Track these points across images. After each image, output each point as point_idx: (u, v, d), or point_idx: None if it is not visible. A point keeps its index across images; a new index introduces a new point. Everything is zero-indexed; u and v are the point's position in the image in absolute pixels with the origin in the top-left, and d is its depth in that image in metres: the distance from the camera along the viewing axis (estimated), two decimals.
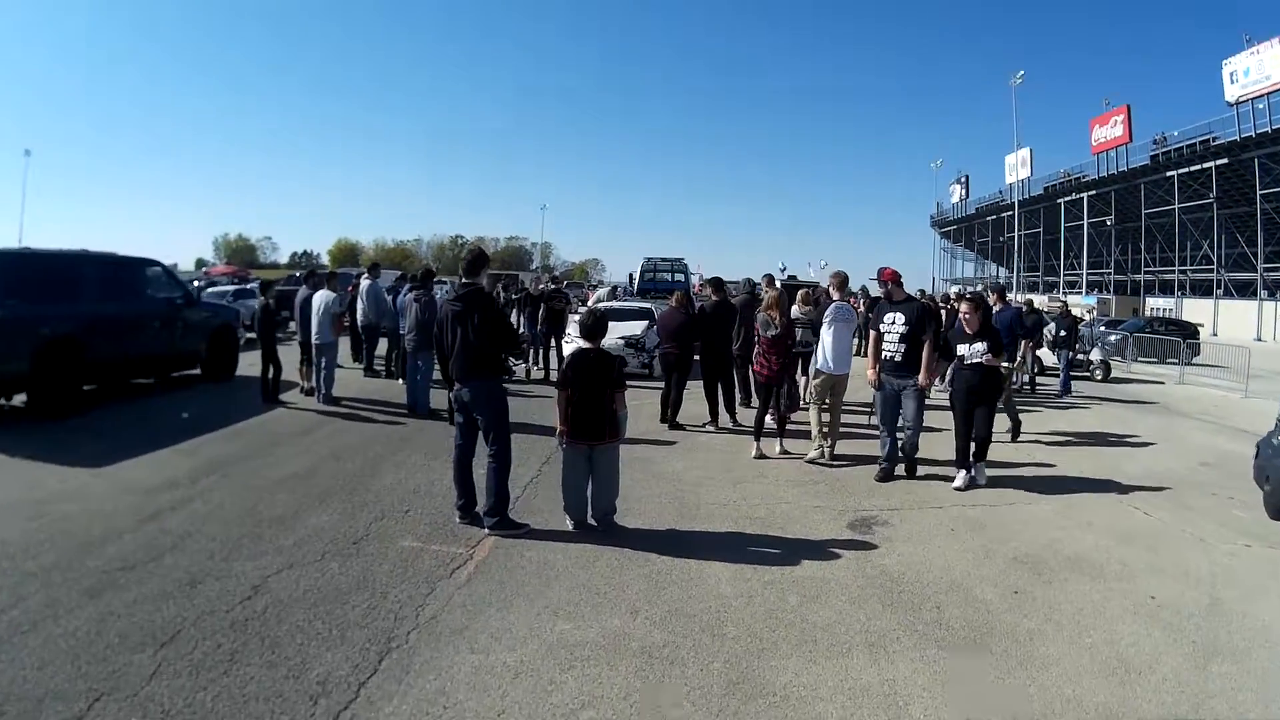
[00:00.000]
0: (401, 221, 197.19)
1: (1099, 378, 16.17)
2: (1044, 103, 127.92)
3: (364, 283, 12.42)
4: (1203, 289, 46.23)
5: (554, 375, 12.37)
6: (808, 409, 7.96)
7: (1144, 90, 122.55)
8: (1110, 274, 52.85)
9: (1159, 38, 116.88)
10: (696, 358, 9.19)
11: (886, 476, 6.97)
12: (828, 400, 7.64)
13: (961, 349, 6.80)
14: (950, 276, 73.83)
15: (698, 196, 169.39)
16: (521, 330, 13.75)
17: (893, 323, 6.86)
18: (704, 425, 9.04)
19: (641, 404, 9.93)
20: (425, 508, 5.84)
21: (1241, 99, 40.00)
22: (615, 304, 17.74)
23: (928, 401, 7.29)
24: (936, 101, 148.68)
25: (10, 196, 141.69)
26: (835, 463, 7.53)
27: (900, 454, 7.02)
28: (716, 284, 9.83)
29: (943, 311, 12.73)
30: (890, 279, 7.14)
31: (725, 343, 9.07)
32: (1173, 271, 48.18)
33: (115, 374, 9.83)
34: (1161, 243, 48.66)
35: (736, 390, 9.62)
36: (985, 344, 6.64)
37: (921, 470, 7.22)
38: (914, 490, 6.80)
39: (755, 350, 7.78)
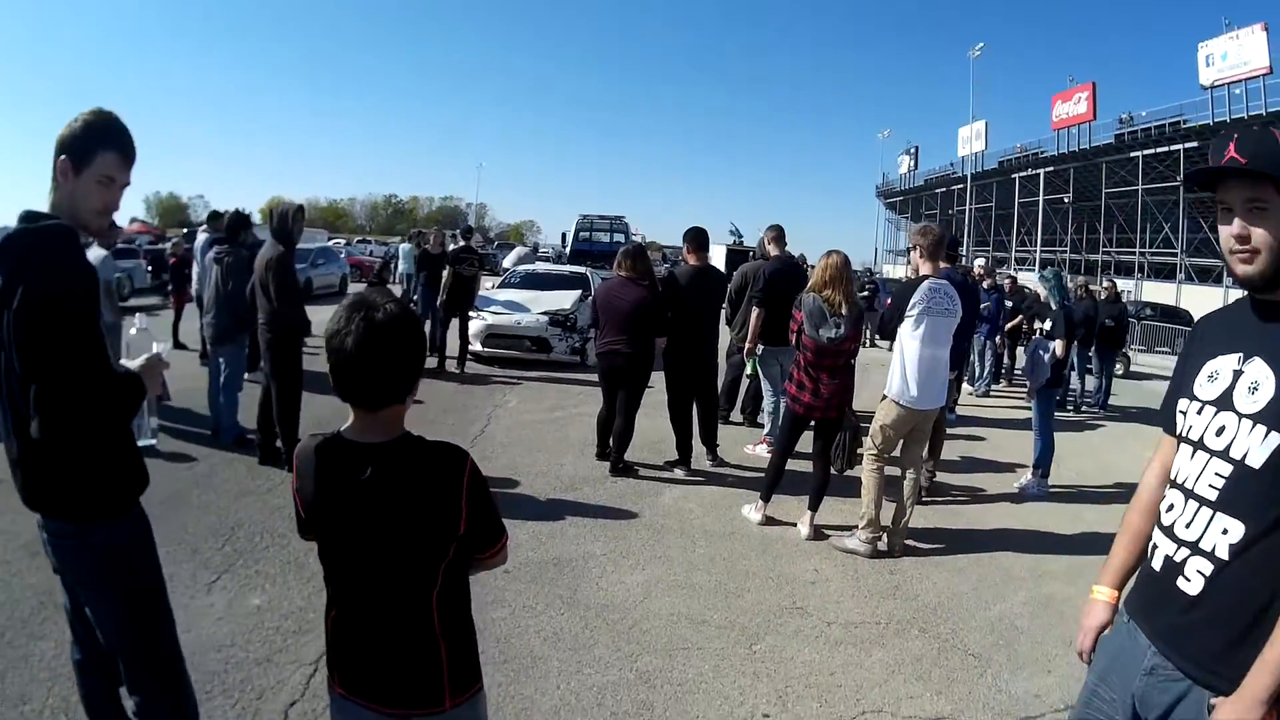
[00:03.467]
0: (337, 180, 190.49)
1: (1119, 372, 14.03)
2: (1004, 79, 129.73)
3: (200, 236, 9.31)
4: (1164, 273, 46.31)
5: (450, 364, 9.89)
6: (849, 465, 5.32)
7: (1110, 71, 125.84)
8: (1066, 252, 52.61)
9: (1129, 17, 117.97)
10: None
11: None
12: (899, 453, 5.06)
13: None
14: (894, 248, 74.01)
15: (640, 159, 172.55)
16: (413, 301, 11.19)
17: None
18: (668, 466, 6.35)
19: (568, 422, 7.58)
20: None
21: (1217, 83, 39.62)
22: (539, 267, 14.92)
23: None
24: (890, 69, 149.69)
25: None
26: (908, 554, 5.00)
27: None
28: (778, 235, 7.03)
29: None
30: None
31: (709, 336, 6.39)
32: (1133, 253, 47.96)
33: None
34: (1121, 223, 48.59)
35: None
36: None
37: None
38: None
39: (793, 361, 5.15)
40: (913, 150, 71.65)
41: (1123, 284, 43.57)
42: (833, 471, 5.10)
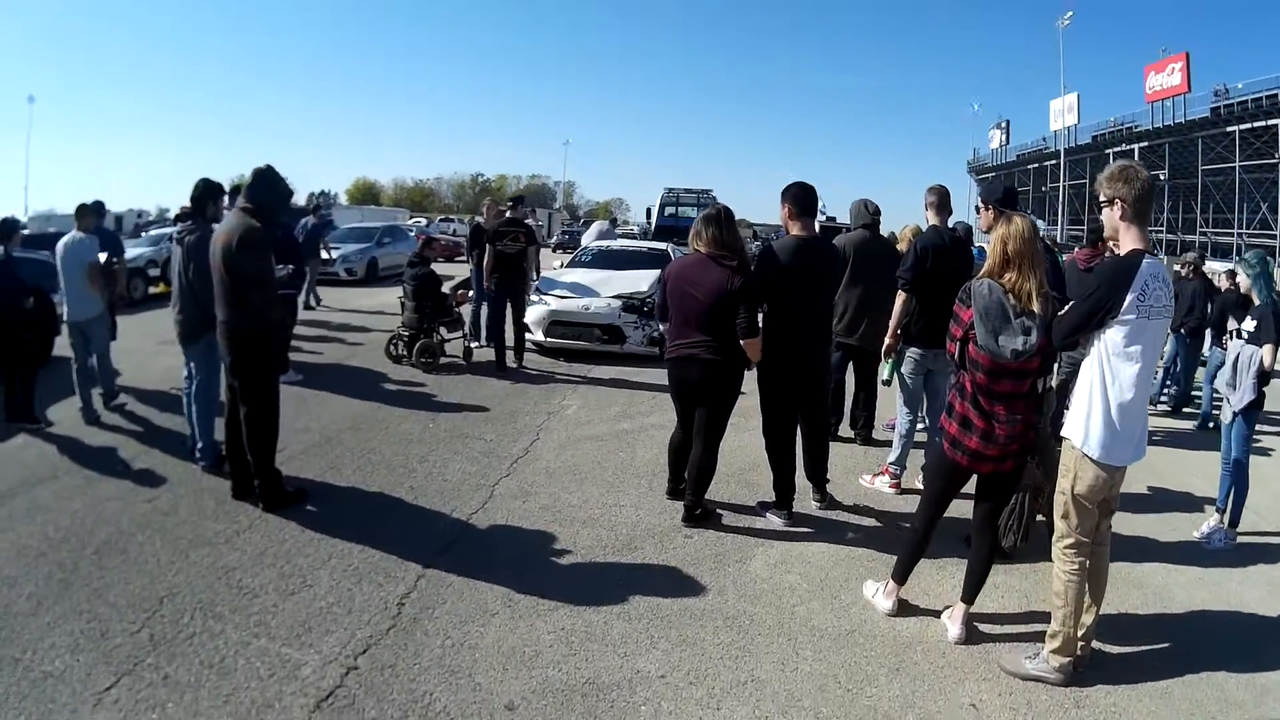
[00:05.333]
0: (423, 160, 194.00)
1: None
2: (1094, 50, 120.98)
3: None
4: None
5: (510, 359, 8.49)
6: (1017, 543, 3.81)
7: (1204, 40, 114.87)
8: (1161, 232, 50.32)
9: None
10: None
11: None
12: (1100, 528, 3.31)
13: None
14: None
15: (728, 136, 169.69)
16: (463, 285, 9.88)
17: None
18: (762, 509, 4.77)
19: (636, 437, 6.09)
20: None
21: None
22: (613, 244, 13.09)
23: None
24: (977, 40, 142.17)
25: (14, 145, 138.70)
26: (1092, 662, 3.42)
27: None
28: (940, 200, 5.24)
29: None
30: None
31: (820, 334, 4.77)
32: (1230, 234, 45.59)
33: None
34: (1219, 201, 46.57)
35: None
36: None
37: None
38: None
39: (953, 383, 3.52)
40: (1004, 124, 70.34)
41: (1218, 266, 40.26)
42: (1004, 548, 3.42)
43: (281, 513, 4.42)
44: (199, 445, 5.07)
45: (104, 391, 6.45)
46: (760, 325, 4.29)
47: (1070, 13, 51.28)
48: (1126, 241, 3.04)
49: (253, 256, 4.23)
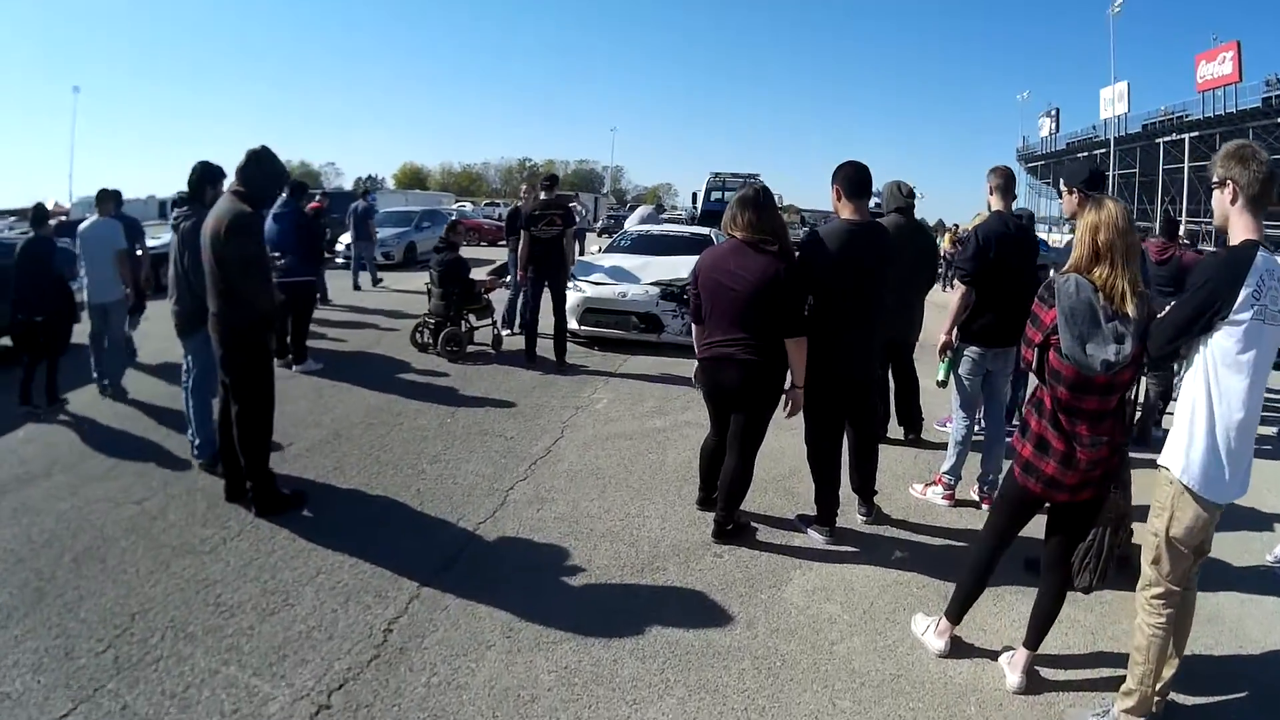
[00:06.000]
0: (471, 145, 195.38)
1: None
2: (1145, 38, 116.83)
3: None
4: None
5: (546, 353, 8.06)
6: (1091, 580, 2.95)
7: (1256, 30, 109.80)
8: (1211, 224, 48.09)
9: None
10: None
11: None
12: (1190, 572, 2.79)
13: None
14: (1040, 215, 71.61)
15: (774, 121, 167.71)
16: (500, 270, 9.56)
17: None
18: (802, 524, 4.31)
19: (668, 437, 5.67)
20: None
21: None
22: (654, 229, 12.53)
23: None
24: (1025, 28, 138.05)
25: (60, 134, 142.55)
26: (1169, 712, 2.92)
27: None
28: (1005, 183, 4.68)
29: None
30: None
31: (873, 333, 4.16)
32: None
33: None
34: (1273, 195, 45.12)
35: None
36: None
37: None
38: None
39: (1029, 399, 2.96)
40: (1053, 112, 69.94)
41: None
42: (1078, 588, 2.90)
43: (275, 518, 4.10)
44: (196, 442, 4.79)
45: (109, 381, 6.37)
46: (806, 322, 3.81)
47: (1120, 0, 50.81)
48: (1238, 230, 2.54)
49: (242, 243, 3.88)
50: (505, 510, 4.32)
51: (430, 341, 8.21)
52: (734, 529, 4.07)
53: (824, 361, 3.90)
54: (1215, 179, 2.63)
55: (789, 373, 3.84)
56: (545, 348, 7.99)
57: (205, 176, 4.69)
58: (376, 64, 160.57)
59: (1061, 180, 4.09)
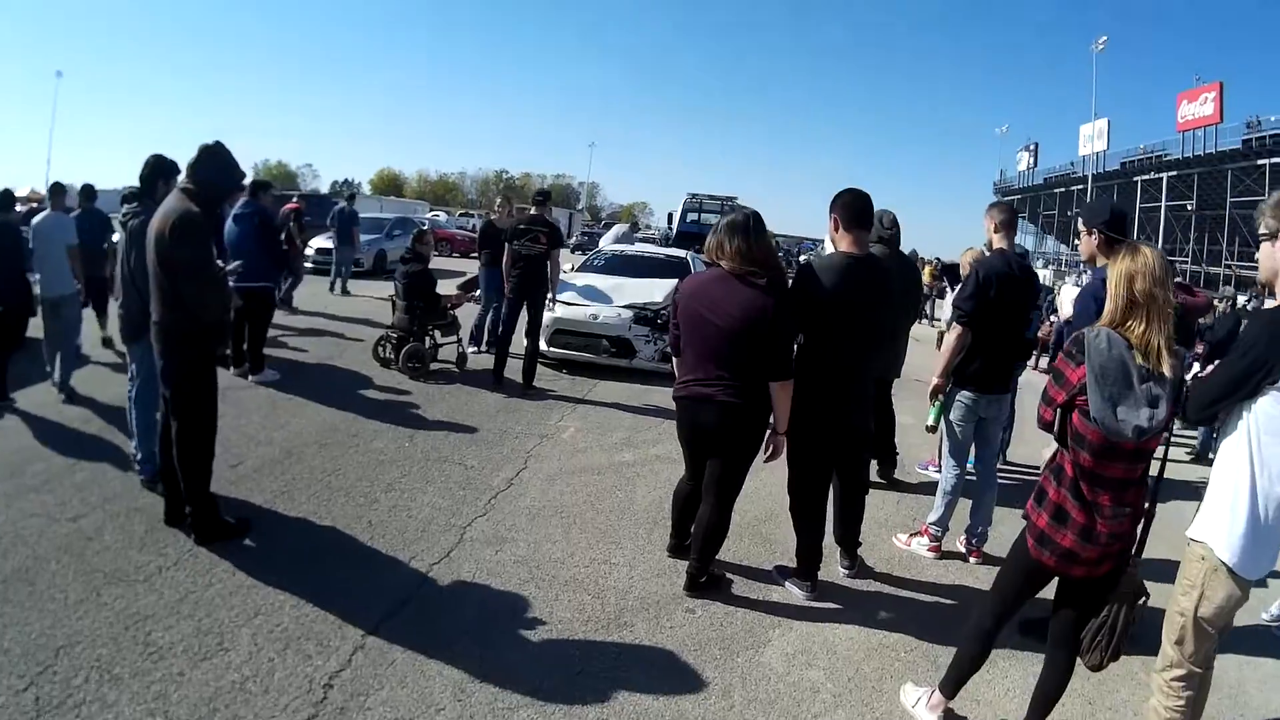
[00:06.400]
0: (448, 154, 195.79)
1: None
2: (1127, 76, 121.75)
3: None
4: None
5: (515, 375, 7.83)
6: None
7: (1239, 70, 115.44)
8: (1187, 263, 50.68)
9: (1260, 13, 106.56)
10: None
11: None
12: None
13: None
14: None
15: (753, 146, 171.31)
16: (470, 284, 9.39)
17: None
18: (779, 575, 4.13)
19: (637, 471, 5.52)
20: None
21: None
22: (629, 249, 12.23)
23: None
24: (1007, 61, 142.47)
25: (39, 121, 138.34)
26: None
27: None
28: (1008, 218, 4.68)
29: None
30: None
31: (868, 376, 4.05)
32: (1255, 268, 46.05)
33: None
34: (1245, 235, 46.26)
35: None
36: None
37: None
38: None
39: (1046, 464, 2.80)
40: (1032, 147, 71.03)
41: (1241, 300, 40.84)
42: (1088, 666, 2.77)
43: (215, 547, 3.84)
44: (138, 457, 4.50)
45: (60, 380, 6.17)
46: (794, 363, 3.66)
47: (1104, 36, 52.55)
48: None
49: (188, 246, 3.64)
50: (462, 549, 4.10)
51: (392, 357, 7.96)
52: (707, 580, 3.90)
53: (812, 406, 3.74)
54: (1265, 230, 2.52)
55: (772, 416, 3.69)
56: (512, 369, 7.78)
57: (158, 170, 4.39)
58: (359, 67, 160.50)
59: (1080, 220, 3.98)
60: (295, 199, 13.92)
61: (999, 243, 4.62)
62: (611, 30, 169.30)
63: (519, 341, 7.73)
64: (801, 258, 14.85)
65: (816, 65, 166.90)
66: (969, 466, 4.80)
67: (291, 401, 6.47)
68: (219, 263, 3.89)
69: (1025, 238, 73.80)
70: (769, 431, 3.71)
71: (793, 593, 4.02)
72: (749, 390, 3.56)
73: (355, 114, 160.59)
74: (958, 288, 4.86)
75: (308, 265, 15.09)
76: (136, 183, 4.51)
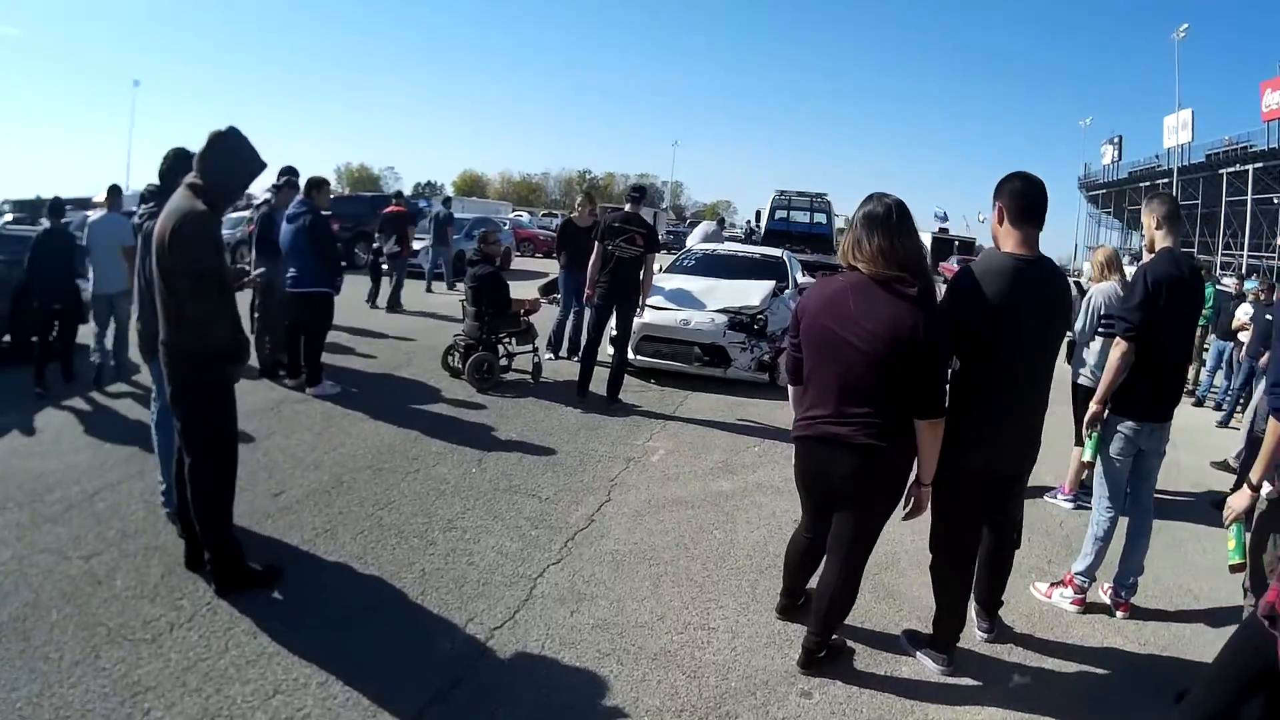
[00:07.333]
0: (531, 155, 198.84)
1: None
2: (1210, 64, 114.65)
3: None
4: None
5: (597, 387, 7.14)
6: None
7: None
8: (1274, 258, 47.40)
9: None
10: None
11: None
12: None
13: None
14: (1095, 244, 71.57)
15: (839, 143, 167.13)
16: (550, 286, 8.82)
17: None
18: (910, 646, 3.32)
19: (738, 503, 4.77)
20: None
21: None
22: (720, 248, 11.40)
23: None
24: (1088, 54, 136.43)
25: (118, 130, 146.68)
26: None
27: None
28: (1171, 212, 3.80)
29: None
30: None
31: (1037, 408, 3.16)
32: None
33: None
34: None
35: None
36: None
37: None
38: None
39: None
40: (1116, 140, 69.30)
41: None
42: None
43: (237, 599, 3.26)
44: (163, 487, 3.98)
45: (114, 363, 6.70)
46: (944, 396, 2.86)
47: (1185, 25, 50.63)
48: None
49: (193, 252, 3.06)
50: (530, 609, 3.40)
51: (461, 366, 7.39)
52: (825, 655, 3.10)
53: (968, 447, 2.92)
54: None
55: (916, 462, 2.88)
56: (597, 379, 7.10)
57: (178, 166, 3.80)
58: (443, 70, 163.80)
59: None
60: (394, 200, 13.76)
61: (1162, 241, 3.71)
62: (696, 29, 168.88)
63: (603, 350, 7.05)
64: None
65: (898, 62, 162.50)
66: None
67: (349, 417, 5.94)
68: (242, 267, 3.30)
69: (1110, 234, 71.34)
70: (911, 480, 2.90)
71: (926, 666, 3.20)
72: (893, 430, 2.76)
73: (438, 116, 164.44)
74: (1122, 295, 4.13)
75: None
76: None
